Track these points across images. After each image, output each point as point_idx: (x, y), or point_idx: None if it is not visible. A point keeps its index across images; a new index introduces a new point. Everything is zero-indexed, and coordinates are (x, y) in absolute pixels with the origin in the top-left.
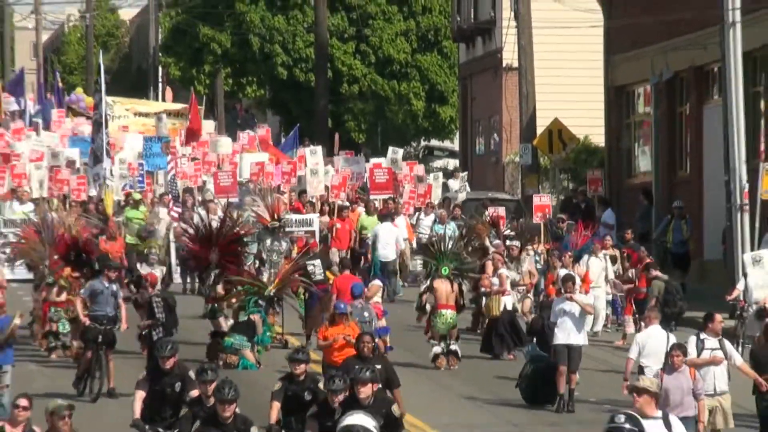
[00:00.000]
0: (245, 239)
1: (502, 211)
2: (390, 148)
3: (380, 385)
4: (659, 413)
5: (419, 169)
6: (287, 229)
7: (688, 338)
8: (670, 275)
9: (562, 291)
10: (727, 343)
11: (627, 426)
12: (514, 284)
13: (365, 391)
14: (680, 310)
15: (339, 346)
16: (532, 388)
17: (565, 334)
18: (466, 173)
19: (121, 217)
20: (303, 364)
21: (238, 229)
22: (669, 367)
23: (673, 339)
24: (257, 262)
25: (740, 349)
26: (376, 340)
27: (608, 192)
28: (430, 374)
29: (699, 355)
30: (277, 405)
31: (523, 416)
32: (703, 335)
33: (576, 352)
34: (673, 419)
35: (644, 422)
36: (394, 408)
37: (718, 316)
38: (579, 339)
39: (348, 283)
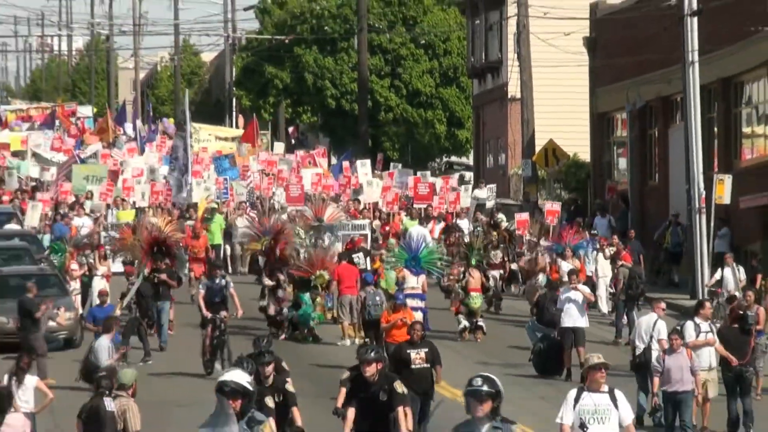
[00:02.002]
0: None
1: (525, 215)
2: (391, 164)
3: (385, 364)
4: (606, 388)
5: (453, 181)
6: (344, 232)
7: (686, 323)
8: (666, 269)
9: (568, 282)
10: (713, 327)
11: (485, 388)
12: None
13: (370, 370)
14: (642, 292)
15: (398, 327)
16: (542, 363)
17: (571, 318)
18: (494, 185)
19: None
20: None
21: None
22: (669, 348)
23: (660, 324)
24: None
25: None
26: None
27: (592, 197)
28: (454, 346)
29: (697, 337)
30: (344, 391)
31: (528, 377)
32: (697, 320)
33: (580, 333)
34: (618, 393)
35: (594, 395)
36: (396, 384)
37: (708, 304)
38: (582, 322)
39: (347, 271)
